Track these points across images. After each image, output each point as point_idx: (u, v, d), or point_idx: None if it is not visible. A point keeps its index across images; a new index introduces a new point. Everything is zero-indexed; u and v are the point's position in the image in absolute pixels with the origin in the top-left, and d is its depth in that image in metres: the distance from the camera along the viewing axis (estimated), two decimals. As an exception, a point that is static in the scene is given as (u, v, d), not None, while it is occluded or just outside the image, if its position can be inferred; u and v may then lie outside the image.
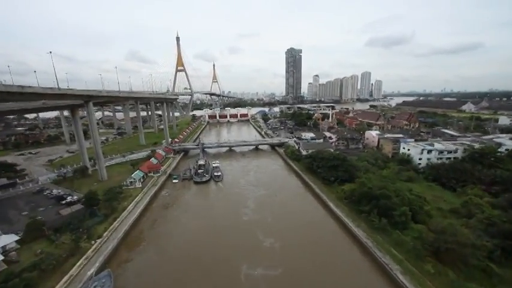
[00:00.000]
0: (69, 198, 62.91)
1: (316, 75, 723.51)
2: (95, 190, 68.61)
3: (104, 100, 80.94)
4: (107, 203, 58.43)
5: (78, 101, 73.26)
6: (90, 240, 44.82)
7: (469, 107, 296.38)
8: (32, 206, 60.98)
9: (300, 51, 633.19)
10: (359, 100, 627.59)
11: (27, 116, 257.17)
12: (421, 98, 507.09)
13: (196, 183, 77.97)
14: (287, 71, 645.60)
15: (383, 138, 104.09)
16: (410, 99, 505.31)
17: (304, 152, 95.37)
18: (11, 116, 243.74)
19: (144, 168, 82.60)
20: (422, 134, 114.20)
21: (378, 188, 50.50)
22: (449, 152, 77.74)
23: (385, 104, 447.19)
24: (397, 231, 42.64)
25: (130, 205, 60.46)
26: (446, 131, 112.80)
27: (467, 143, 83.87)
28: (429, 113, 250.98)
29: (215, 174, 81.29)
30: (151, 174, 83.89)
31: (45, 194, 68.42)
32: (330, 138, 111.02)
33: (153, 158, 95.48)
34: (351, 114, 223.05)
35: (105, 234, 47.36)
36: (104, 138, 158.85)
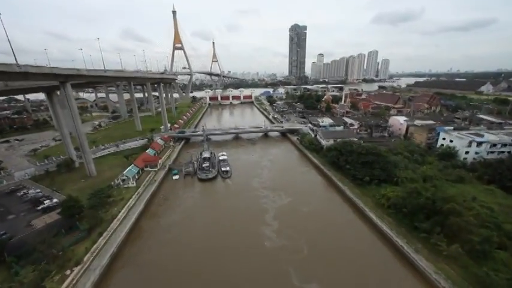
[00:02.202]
0: (47, 202, 51.50)
1: (321, 54, 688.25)
2: (81, 190, 57.77)
3: (86, 81, 66.84)
4: (91, 210, 47.10)
5: (53, 82, 59.12)
6: (63, 270, 33.77)
7: (487, 88, 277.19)
8: (1, 213, 49.79)
9: (305, 27, 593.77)
10: (365, 80, 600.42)
11: (18, 97, 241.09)
12: (433, 79, 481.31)
13: (201, 180, 66.31)
14: (290, 50, 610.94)
15: (413, 125, 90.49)
16: (421, 79, 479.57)
17: (323, 142, 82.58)
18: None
19: (139, 162, 70.51)
20: (456, 120, 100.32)
21: (442, 200, 38.41)
22: (504, 145, 64.78)
23: (395, 84, 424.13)
24: (484, 269, 31.03)
25: (122, 212, 49.07)
26: (484, 116, 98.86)
27: (523, 133, 70.54)
28: (446, 94, 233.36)
29: (223, 169, 69.30)
30: (148, 168, 72.09)
31: (19, 195, 57.01)
32: (351, 125, 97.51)
33: (149, 149, 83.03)
34: (363, 96, 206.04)
35: (85, 259, 36.27)
36: (96, 123, 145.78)
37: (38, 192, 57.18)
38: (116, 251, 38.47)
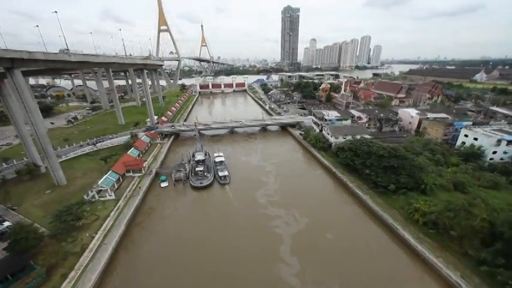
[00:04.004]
0: (-5, 228, 39.92)
1: (313, 39, 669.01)
2: (44, 206, 46.51)
3: (46, 67, 53.15)
4: (54, 240, 36.36)
5: (-2, 69, 45.45)
6: None
7: (481, 76, 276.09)
8: None
9: (298, 10, 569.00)
10: (357, 67, 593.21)
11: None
12: (425, 66, 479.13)
13: (194, 188, 56.07)
14: (283, 35, 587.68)
15: (427, 119, 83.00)
16: (414, 67, 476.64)
17: (332, 139, 73.66)
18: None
19: (119, 167, 58.95)
20: (471, 112, 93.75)
21: (507, 224, 30.56)
22: (535, 143, 58.18)
23: (388, 72, 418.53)
24: None
25: (96, 239, 38.59)
26: (497, 109, 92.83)
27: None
28: (443, 83, 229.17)
29: (220, 174, 59.06)
30: (131, 173, 60.81)
31: (-38, 215, 44.79)
32: (359, 118, 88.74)
33: (132, 149, 71.17)
34: (362, 85, 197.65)
35: (40, 321, 26.20)
36: (72, 115, 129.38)
37: (-13, 210, 45.24)
38: (83, 305, 28.43)
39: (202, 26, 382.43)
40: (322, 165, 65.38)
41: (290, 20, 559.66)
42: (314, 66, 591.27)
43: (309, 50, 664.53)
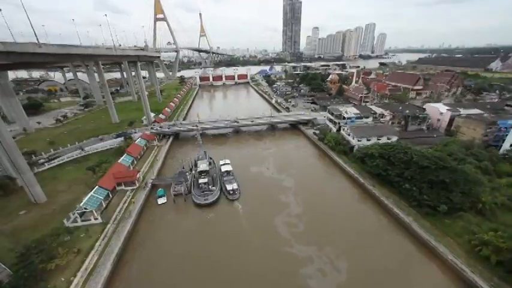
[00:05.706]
0: None
1: (316, 28, 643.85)
2: (16, 233, 38.17)
3: (8, 61, 42.73)
4: (15, 293, 27.60)
5: None
6: None
7: (497, 65, 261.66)
8: None
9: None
10: (361, 56, 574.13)
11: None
12: (434, 55, 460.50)
13: (197, 205, 47.00)
14: (285, 23, 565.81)
15: (459, 116, 72.79)
16: (422, 55, 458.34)
17: (354, 141, 64.01)
18: None
19: (108, 181, 49.65)
20: (508, 107, 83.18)
21: None
22: None
23: (396, 61, 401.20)
24: None
25: (74, 286, 29.90)
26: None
27: None
28: (457, 73, 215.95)
29: (228, 187, 49.76)
30: (122, 186, 51.66)
31: None
32: (382, 115, 78.44)
33: (125, 155, 61.65)
34: (372, 76, 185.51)
35: None
36: (62, 112, 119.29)
37: None
38: None
39: (200, 14, 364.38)
40: (346, 173, 55.88)
41: (292, 8, 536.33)
42: (316, 56, 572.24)
43: (311, 39, 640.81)
